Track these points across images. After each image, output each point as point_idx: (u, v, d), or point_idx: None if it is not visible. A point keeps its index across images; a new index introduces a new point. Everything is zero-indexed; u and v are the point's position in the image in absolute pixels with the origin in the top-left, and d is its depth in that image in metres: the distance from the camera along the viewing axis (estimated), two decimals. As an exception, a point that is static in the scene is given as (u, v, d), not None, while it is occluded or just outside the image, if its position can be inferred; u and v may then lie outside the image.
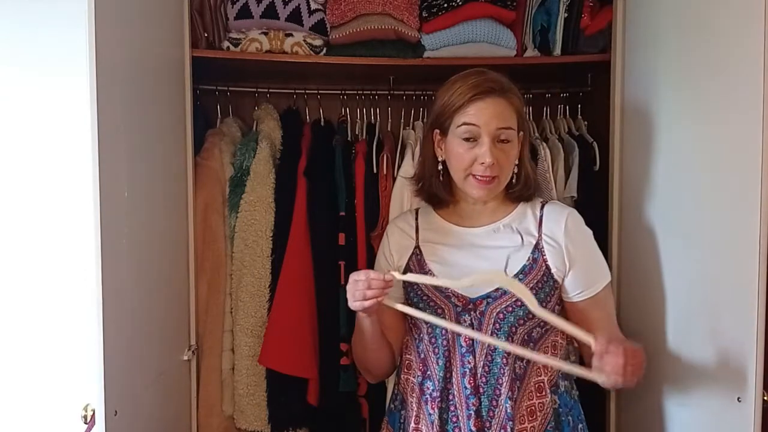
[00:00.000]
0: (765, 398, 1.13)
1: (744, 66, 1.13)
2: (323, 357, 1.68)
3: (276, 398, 1.69)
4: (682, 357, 1.32)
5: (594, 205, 1.62)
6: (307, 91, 1.90)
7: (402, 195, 1.68)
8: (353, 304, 1.20)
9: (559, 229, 1.28)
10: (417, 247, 1.35)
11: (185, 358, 1.57)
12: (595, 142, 1.77)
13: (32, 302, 1.07)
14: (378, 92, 1.91)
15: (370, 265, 1.69)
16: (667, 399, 1.38)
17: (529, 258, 1.27)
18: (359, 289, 1.18)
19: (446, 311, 1.26)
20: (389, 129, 1.92)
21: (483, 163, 1.23)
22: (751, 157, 1.10)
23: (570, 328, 1.17)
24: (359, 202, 1.71)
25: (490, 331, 1.23)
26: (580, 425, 1.30)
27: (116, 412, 1.12)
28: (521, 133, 1.31)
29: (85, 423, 1.15)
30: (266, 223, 1.69)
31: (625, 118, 1.61)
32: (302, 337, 1.65)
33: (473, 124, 1.25)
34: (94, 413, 1.10)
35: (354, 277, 1.20)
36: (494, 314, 1.23)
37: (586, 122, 1.87)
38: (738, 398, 1.14)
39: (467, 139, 1.26)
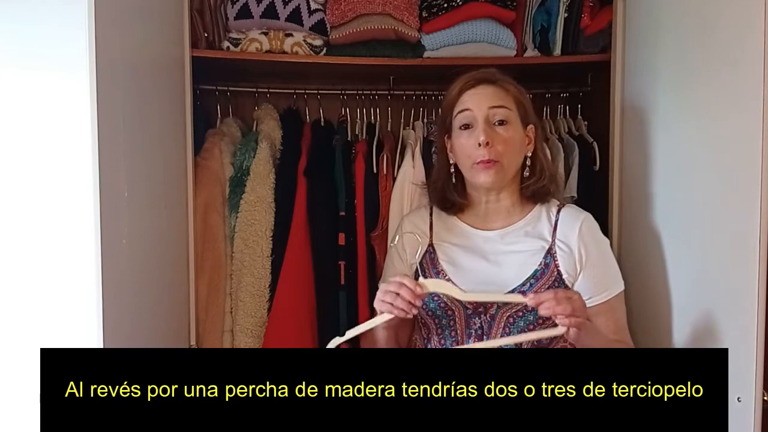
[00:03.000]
0: (765, 398, 1.13)
1: (744, 66, 1.13)
2: (323, 357, 1.68)
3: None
4: (682, 357, 1.32)
5: (594, 205, 1.61)
6: (307, 91, 1.90)
7: (402, 195, 1.68)
8: (381, 307, 1.18)
9: (573, 233, 1.29)
10: (431, 245, 1.35)
11: (185, 358, 1.56)
12: (595, 142, 1.77)
13: (31, 302, 1.07)
14: (378, 92, 1.91)
15: (370, 264, 1.69)
16: (667, 399, 1.38)
17: (540, 263, 1.27)
18: (392, 288, 1.16)
19: (456, 313, 1.26)
20: (389, 129, 1.92)
21: (479, 144, 1.24)
22: (751, 156, 1.10)
23: (502, 297, 1.22)
24: (359, 202, 1.71)
25: (500, 335, 1.23)
26: None
27: (116, 412, 1.12)
28: (530, 126, 1.33)
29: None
30: (266, 223, 1.69)
31: (625, 118, 1.61)
32: (302, 338, 1.65)
33: (467, 109, 1.29)
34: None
35: (387, 282, 1.18)
36: (504, 318, 1.23)
37: (586, 122, 1.87)
38: (738, 398, 1.13)
39: (466, 128, 1.29)
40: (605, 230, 1.60)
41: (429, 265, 1.33)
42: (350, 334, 1.24)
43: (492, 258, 1.30)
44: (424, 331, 1.31)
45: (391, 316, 1.17)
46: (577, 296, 1.14)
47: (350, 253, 1.69)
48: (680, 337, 1.35)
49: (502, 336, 1.23)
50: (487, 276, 1.28)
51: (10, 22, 1.04)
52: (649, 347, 1.43)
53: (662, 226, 1.43)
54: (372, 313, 1.64)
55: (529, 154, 1.33)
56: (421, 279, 1.18)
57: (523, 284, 1.25)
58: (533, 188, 1.33)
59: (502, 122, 1.27)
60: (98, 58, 1.04)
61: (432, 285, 1.19)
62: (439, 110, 1.38)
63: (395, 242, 1.38)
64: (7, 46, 1.05)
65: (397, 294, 1.15)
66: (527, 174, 1.33)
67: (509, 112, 1.28)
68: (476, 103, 1.28)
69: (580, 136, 1.83)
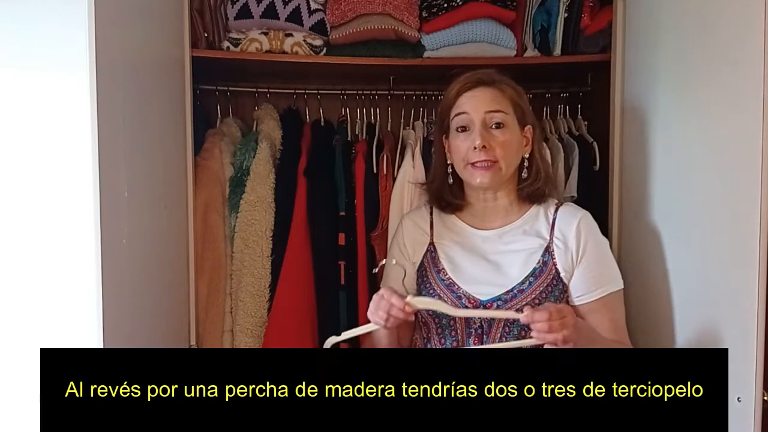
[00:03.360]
0: (765, 398, 1.13)
1: (744, 66, 1.13)
2: (323, 357, 1.68)
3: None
4: (682, 357, 1.32)
5: (594, 205, 1.61)
6: (307, 91, 1.90)
7: (402, 195, 1.68)
8: (374, 320, 1.18)
9: (570, 230, 1.29)
10: (431, 244, 1.36)
11: (185, 358, 1.56)
12: (595, 142, 1.77)
13: (32, 302, 1.07)
14: (378, 92, 1.91)
15: (370, 264, 1.69)
16: (667, 399, 1.38)
17: (539, 261, 1.28)
18: (382, 309, 1.16)
19: None
20: (389, 129, 1.92)
21: (475, 147, 1.25)
22: (751, 156, 1.10)
23: (496, 313, 1.22)
24: (359, 202, 1.71)
25: (499, 335, 1.23)
26: None
27: (116, 412, 1.12)
28: (528, 126, 1.33)
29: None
30: (266, 223, 1.69)
31: (625, 118, 1.61)
32: (302, 337, 1.65)
33: (464, 113, 1.29)
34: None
35: (379, 295, 1.18)
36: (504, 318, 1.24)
37: (586, 122, 1.87)
38: (738, 398, 1.13)
39: (462, 130, 1.29)
40: (605, 230, 1.60)
41: (430, 263, 1.33)
42: (346, 335, 1.25)
43: (491, 257, 1.30)
44: (425, 331, 1.31)
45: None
46: (569, 317, 1.11)
47: (350, 253, 1.70)
48: (680, 337, 1.35)
49: (502, 335, 1.23)
50: (487, 275, 1.28)
51: (10, 22, 1.04)
52: (649, 347, 1.43)
53: (662, 226, 1.43)
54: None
55: (526, 155, 1.33)
56: (409, 297, 1.17)
57: (522, 282, 1.25)
58: (528, 190, 1.33)
59: (498, 125, 1.28)
60: (98, 58, 1.04)
61: (420, 303, 1.19)
62: (437, 110, 1.39)
63: (393, 262, 1.37)
64: (7, 46, 1.05)
65: (388, 313, 1.15)
66: (524, 175, 1.33)
67: (506, 116, 1.29)
68: (473, 107, 1.29)
69: (580, 136, 1.83)
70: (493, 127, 1.28)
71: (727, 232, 1.18)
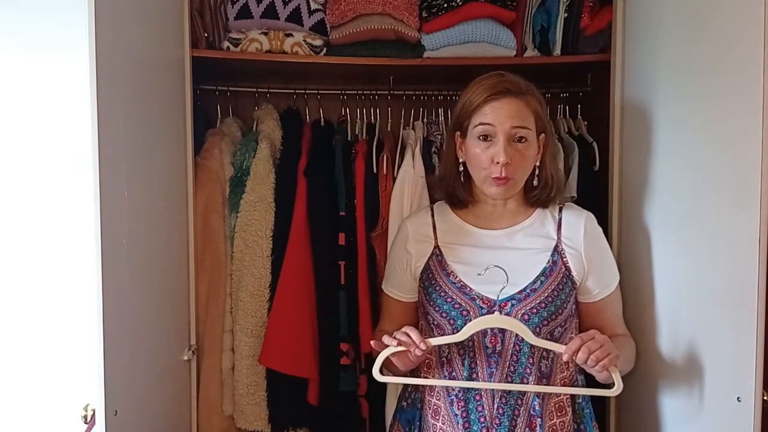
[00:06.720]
0: (765, 398, 1.13)
1: (744, 66, 1.12)
2: (323, 357, 1.68)
3: (276, 398, 1.69)
4: (682, 356, 1.32)
5: (594, 205, 1.61)
6: (307, 91, 1.90)
7: (402, 195, 1.68)
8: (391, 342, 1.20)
9: (578, 234, 1.31)
10: (437, 247, 1.36)
11: (185, 358, 1.57)
12: (594, 142, 1.77)
13: (32, 302, 1.07)
14: (378, 92, 1.91)
15: (370, 264, 1.69)
16: (667, 398, 1.39)
17: (549, 260, 1.29)
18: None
19: (471, 313, 1.26)
20: (389, 129, 1.92)
21: (498, 162, 1.24)
22: (750, 156, 1.10)
23: (549, 344, 1.22)
24: (359, 202, 1.71)
25: (514, 334, 1.23)
26: (593, 416, 1.34)
27: (116, 412, 1.12)
28: (542, 135, 1.32)
29: (85, 423, 1.15)
30: (266, 223, 1.69)
31: (625, 117, 1.61)
32: (302, 337, 1.65)
33: (488, 124, 1.27)
34: (94, 413, 1.10)
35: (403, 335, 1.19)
36: (519, 315, 1.24)
37: (585, 122, 1.87)
38: (738, 398, 1.14)
39: (484, 139, 1.28)
40: (605, 230, 1.60)
41: (437, 266, 1.33)
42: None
43: (501, 257, 1.30)
44: (437, 332, 1.31)
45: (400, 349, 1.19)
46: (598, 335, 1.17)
47: (350, 253, 1.70)
48: (680, 338, 1.35)
49: (515, 344, 1.24)
50: (499, 273, 1.27)
51: (9, 22, 1.04)
52: (648, 346, 1.43)
53: (662, 226, 1.43)
54: (373, 314, 1.66)
55: (538, 164, 1.33)
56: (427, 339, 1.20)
57: (534, 281, 1.26)
58: (538, 197, 1.34)
59: (521, 139, 1.27)
60: (98, 58, 1.04)
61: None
62: (456, 107, 1.35)
63: (397, 245, 1.37)
64: (6, 44, 1.05)
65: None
66: (535, 183, 1.33)
67: (529, 131, 1.27)
68: (499, 119, 1.26)
69: (579, 136, 1.83)
70: (516, 140, 1.27)
71: (727, 231, 1.18)
